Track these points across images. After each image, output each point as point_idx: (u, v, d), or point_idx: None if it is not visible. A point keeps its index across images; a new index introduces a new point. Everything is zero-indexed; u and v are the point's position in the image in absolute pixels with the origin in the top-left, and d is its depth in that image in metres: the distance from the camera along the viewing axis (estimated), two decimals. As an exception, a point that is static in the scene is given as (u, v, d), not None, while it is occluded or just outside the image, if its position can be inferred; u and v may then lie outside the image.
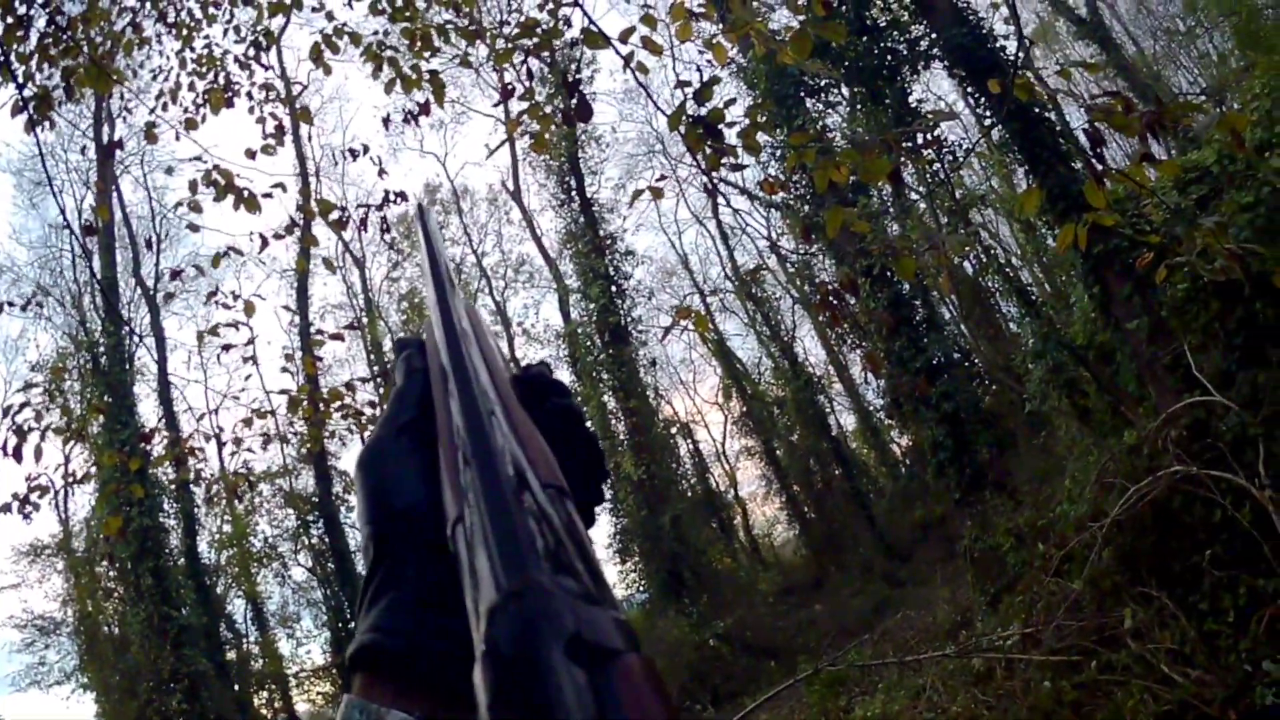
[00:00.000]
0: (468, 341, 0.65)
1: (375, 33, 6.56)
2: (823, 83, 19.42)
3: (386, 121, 7.76)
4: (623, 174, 38.88)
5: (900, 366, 18.12)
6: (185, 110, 6.89)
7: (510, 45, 5.76)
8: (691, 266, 41.48)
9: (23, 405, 5.92)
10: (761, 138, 4.33)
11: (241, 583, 30.04)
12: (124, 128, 26.05)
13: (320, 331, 7.99)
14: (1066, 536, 9.55)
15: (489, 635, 0.39)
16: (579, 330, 28.65)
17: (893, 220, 19.69)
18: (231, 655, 28.01)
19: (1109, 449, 10.35)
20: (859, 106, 19.08)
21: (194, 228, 6.47)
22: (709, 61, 4.56)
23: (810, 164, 4.09)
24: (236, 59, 7.11)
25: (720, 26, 4.72)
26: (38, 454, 5.81)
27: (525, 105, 5.74)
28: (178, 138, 6.67)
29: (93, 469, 11.52)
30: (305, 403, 6.45)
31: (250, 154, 6.27)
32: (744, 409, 36.10)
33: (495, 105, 32.39)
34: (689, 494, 30.78)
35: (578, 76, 25.33)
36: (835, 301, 5.13)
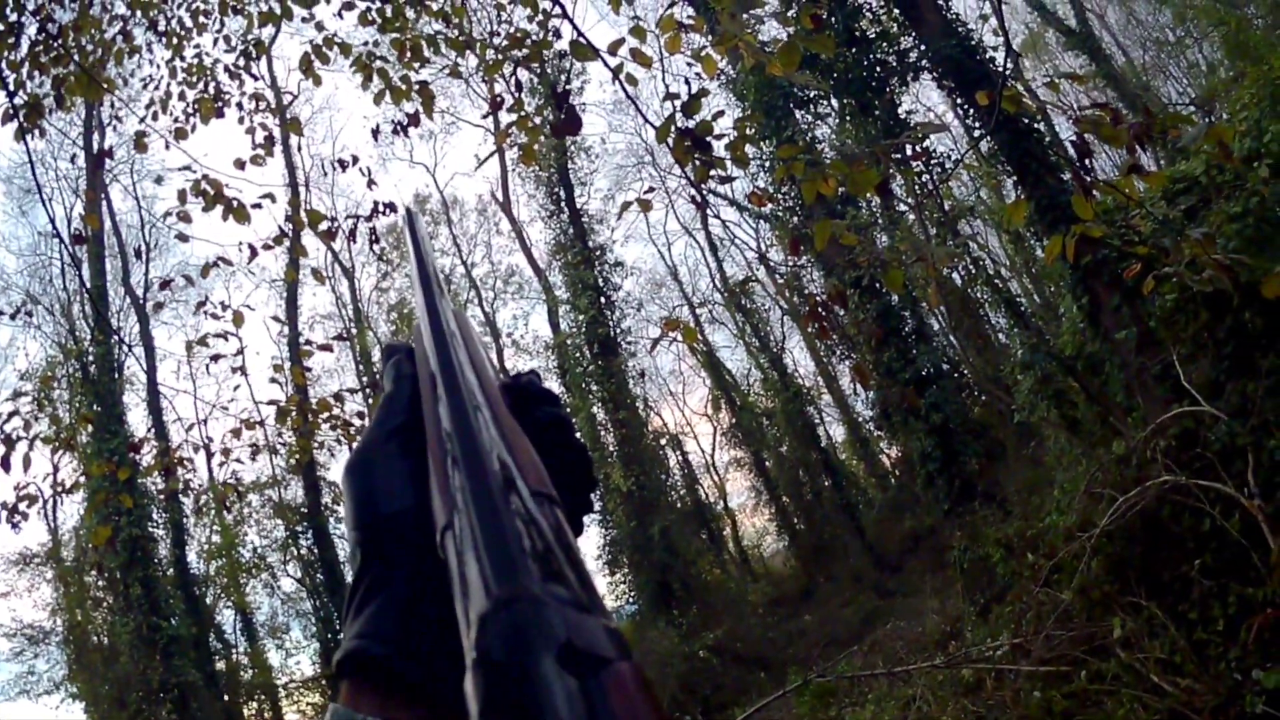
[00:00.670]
0: (456, 345, 0.65)
1: (365, 43, 6.55)
2: (812, 94, 19.46)
3: (376, 133, 7.76)
4: (612, 185, 38.90)
5: (889, 378, 18.16)
6: (175, 120, 6.89)
7: (500, 57, 5.77)
8: (681, 278, 41.61)
9: (11, 414, 5.90)
10: (750, 150, 4.33)
11: (230, 593, 29.98)
12: (114, 136, 26.06)
13: (309, 342, 7.98)
14: (1056, 547, 9.56)
15: (480, 643, 0.39)
16: (568, 341, 28.68)
17: (881, 231, 19.73)
18: (221, 665, 27.99)
19: (1098, 459, 10.36)
20: (848, 118, 19.11)
21: (183, 238, 6.44)
22: (698, 75, 4.56)
23: (799, 176, 4.10)
24: (227, 68, 7.11)
25: (709, 39, 4.73)
26: (26, 463, 5.79)
27: (514, 117, 5.73)
28: (167, 146, 6.67)
29: (82, 478, 11.47)
30: (294, 413, 6.44)
31: (240, 164, 6.26)
32: (733, 420, 36.14)
33: (484, 116, 32.43)
34: (678, 505, 30.81)
35: (567, 88, 25.34)
36: (824, 314, 5.13)
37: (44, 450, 6.39)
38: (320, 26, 6.67)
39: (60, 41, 5.84)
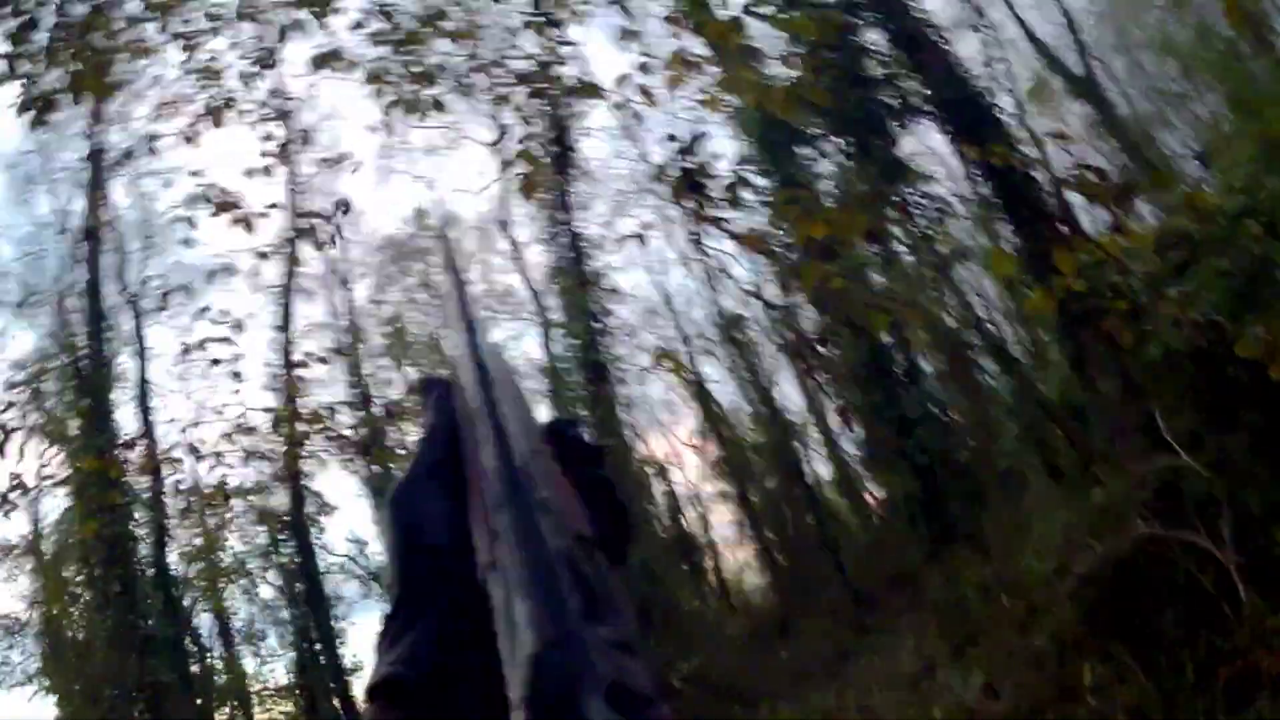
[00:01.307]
0: (497, 384, 0.67)
1: (376, 59, 6.62)
2: (814, 132, 19.55)
3: (378, 126, 7.73)
4: (612, 210, 38.92)
5: (876, 418, 18.23)
6: (188, 124, 6.93)
7: (509, 89, 5.86)
8: (675, 307, 41.54)
9: (8, 405, 5.97)
10: (746, 194, 4.44)
11: (209, 597, 29.75)
12: (120, 133, 25.99)
13: (308, 354, 8.04)
14: (1032, 591, 9.63)
15: (530, 682, 0.41)
16: (559, 366, 28.65)
17: (878, 271, 19.81)
18: (196, 668, 27.69)
19: (1078, 507, 10.44)
20: (847, 157, 19.19)
21: (188, 243, 6.52)
22: (701, 118, 4.67)
23: (792, 219, 4.18)
24: (240, 74, 7.14)
25: (715, 73, 4.84)
26: (21, 452, 5.84)
27: (520, 147, 5.81)
28: (175, 148, 6.72)
29: (69, 471, 11.46)
30: (287, 423, 6.48)
31: (248, 173, 6.35)
32: (721, 453, 36.02)
33: (492, 145, 32.48)
34: (662, 535, 30.73)
35: (571, 114, 25.48)
36: (809, 352, 5.23)
37: (33, 441, 6.42)
38: (333, 45, 6.75)
39: (75, 36, 5.88)
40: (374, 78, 6.43)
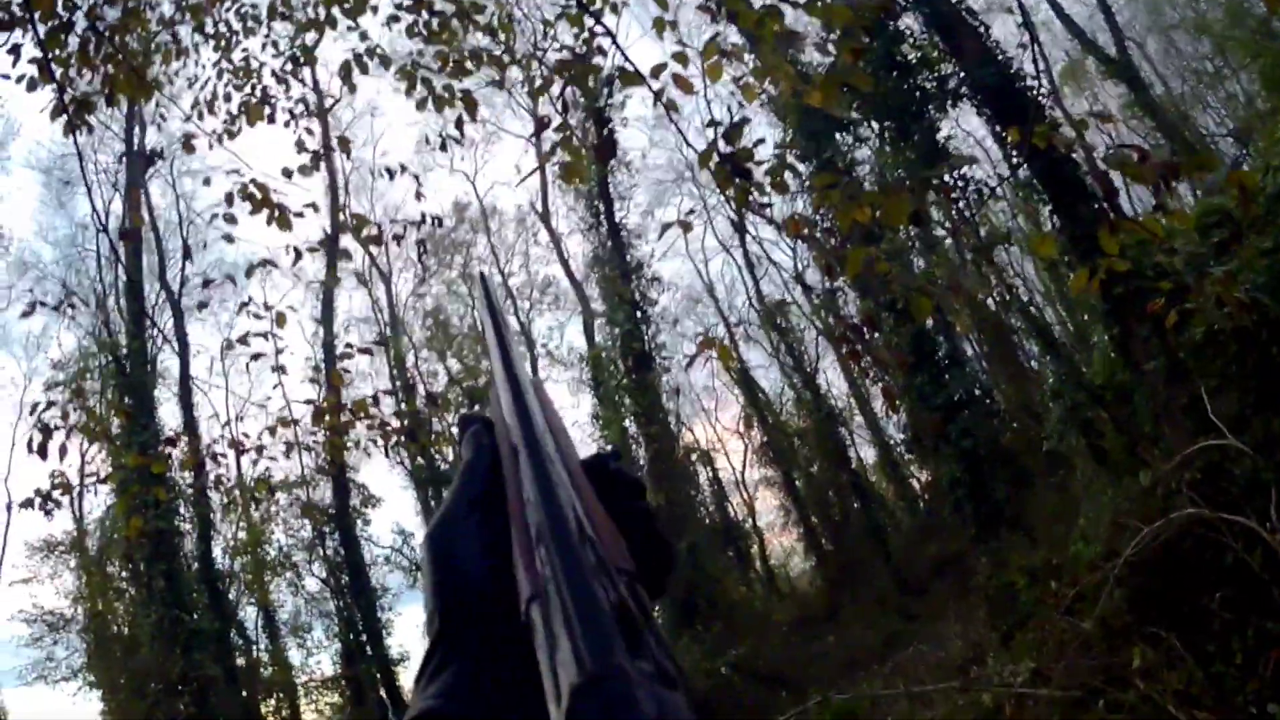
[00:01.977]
0: (537, 417, 0.67)
1: (410, 53, 6.63)
2: (853, 117, 19.48)
3: (443, 145, 7.78)
4: (652, 200, 38.92)
5: (921, 402, 18.16)
6: (223, 121, 6.98)
7: (547, 77, 5.85)
8: (717, 295, 41.54)
9: (49, 404, 6.03)
10: (789, 177, 4.41)
11: (254, 590, 30.03)
12: (156, 134, 26.26)
13: (349, 345, 8.09)
14: (1079, 575, 9.57)
15: (571, 714, 0.41)
16: (603, 355, 28.74)
17: (918, 255, 19.69)
18: (241, 661, 27.90)
19: (1124, 490, 10.36)
20: (887, 143, 19.10)
21: (229, 239, 6.56)
22: (740, 103, 4.66)
23: (834, 204, 4.16)
24: (274, 73, 7.18)
25: (749, 66, 4.81)
26: (63, 452, 5.90)
27: (558, 136, 5.80)
28: (210, 147, 6.78)
29: (112, 469, 11.58)
30: (330, 415, 6.52)
31: (287, 174, 6.39)
32: (764, 439, 36.00)
33: (530, 138, 32.50)
34: (707, 522, 30.75)
35: (609, 102, 25.47)
36: (853, 338, 5.20)
37: (74, 440, 6.47)
38: (365, 35, 6.78)
39: (110, 39, 5.93)
40: (407, 73, 6.44)
